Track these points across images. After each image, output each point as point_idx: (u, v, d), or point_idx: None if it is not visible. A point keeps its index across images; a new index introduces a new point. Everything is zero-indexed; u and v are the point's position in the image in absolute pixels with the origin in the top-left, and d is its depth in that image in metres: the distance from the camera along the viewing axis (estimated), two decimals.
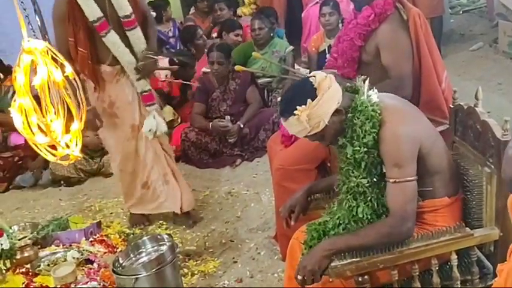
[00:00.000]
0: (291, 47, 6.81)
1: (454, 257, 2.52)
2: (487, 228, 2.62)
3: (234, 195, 5.17)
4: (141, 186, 4.61)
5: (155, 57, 4.29)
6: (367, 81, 2.63)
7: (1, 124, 6.21)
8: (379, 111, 2.51)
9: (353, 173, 2.57)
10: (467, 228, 2.52)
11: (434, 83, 3.52)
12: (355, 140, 2.53)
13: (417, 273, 2.52)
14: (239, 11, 8.47)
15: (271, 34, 6.76)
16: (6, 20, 7.79)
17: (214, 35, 7.62)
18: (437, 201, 2.62)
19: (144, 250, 3.61)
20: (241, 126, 5.90)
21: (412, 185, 2.49)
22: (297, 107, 2.49)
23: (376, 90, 2.63)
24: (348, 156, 2.56)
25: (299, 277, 2.53)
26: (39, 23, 6.87)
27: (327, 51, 5.89)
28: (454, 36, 8.53)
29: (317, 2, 6.93)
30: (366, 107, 2.52)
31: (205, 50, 6.50)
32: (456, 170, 2.74)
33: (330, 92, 2.51)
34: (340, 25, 5.91)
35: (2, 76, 6.65)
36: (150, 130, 4.30)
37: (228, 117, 5.93)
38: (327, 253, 2.51)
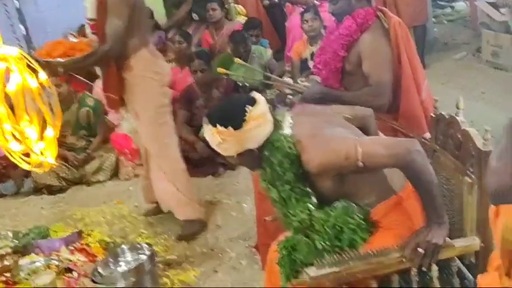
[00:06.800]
0: (270, 51, 6.84)
1: (434, 267, 2.50)
2: (468, 239, 2.60)
3: (215, 204, 5.13)
4: None
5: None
6: (289, 115, 2.60)
7: None
8: (293, 146, 2.47)
9: (289, 213, 2.52)
10: (447, 239, 2.49)
11: (413, 93, 3.52)
12: (277, 179, 2.49)
13: (397, 285, 2.49)
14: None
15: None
16: None
17: None
18: (385, 204, 2.57)
19: (123, 259, 3.59)
20: None
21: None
22: (217, 124, 2.45)
23: (289, 117, 2.59)
24: (276, 199, 2.53)
25: (420, 250, 2.41)
26: (24, 32, 6.87)
27: (309, 58, 5.90)
28: (438, 45, 8.56)
29: (301, 12, 6.95)
30: (282, 144, 2.48)
31: None
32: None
33: (254, 132, 2.47)
34: (322, 31, 5.92)
35: None
36: None
37: None
38: None
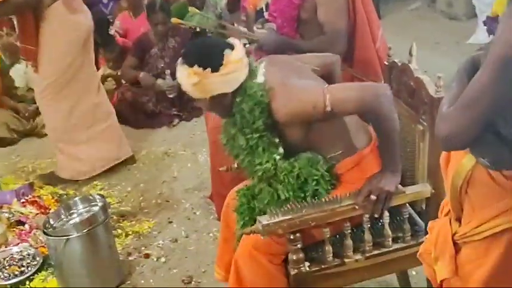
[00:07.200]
0: (224, 0, 6.76)
1: (385, 214, 2.52)
2: (419, 186, 2.62)
3: (171, 156, 5.11)
4: None
5: None
6: (262, 64, 2.58)
7: None
8: (266, 94, 2.45)
9: (255, 161, 2.52)
10: (399, 186, 2.51)
11: (368, 41, 3.51)
12: (245, 127, 2.48)
13: (349, 231, 2.51)
14: None
15: None
16: None
17: None
18: (351, 159, 2.58)
19: (75, 211, 3.55)
20: None
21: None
22: (195, 65, 2.41)
23: (263, 65, 2.57)
24: (243, 146, 2.51)
25: (372, 197, 2.44)
26: None
27: (264, 8, 5.83)
28: None
29: None
30: (255, 91, 2.46)
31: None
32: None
33: (230, 76, 2.44)
34: None
35: None
36: None
37: (168, 71, 5.77)
38: None
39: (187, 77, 2.43)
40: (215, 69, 2.40)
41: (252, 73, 2.52)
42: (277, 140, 2.50)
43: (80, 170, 4.69)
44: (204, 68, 2.39)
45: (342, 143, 2.57)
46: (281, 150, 2.51)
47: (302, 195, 2.52)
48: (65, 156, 4.68)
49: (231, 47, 2.46)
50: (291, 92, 2.45)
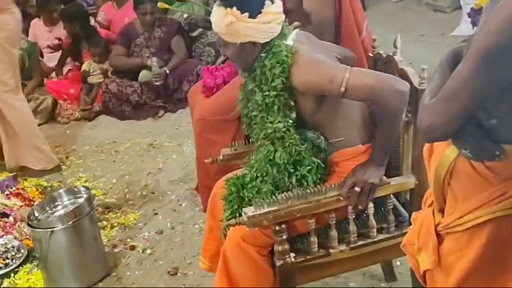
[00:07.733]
0: None
1: (370, 205, 2.53)
2: (403, 177, 2.64)
3: (156, 147, 5.12)
4: None
5: None
6: (295, 31, 2.60)
7: None
8: (291, 56, 2.46)
9: (268, 119, 2.52)
10: (383, 177, 2.52)
11: (353, 32, 3.50)
12: (264, 84, 2.48)
13: (334, 222, 2.52)
14: None
15: None
16: None
17: None
18: (351, 150, 2.58)
19: (60, 203, 3.54)
20: (167, 72, 5.79)
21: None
22: (234, 7, 2.41)
23: (295, 32, 2.59)
24: (259, 102, 2.51)
25: (357, 189, 2.46)
26: None
27: None
28: None
29: None
30: (280, 50, 2.47)
31: None
32: (369, 116, 2.73)
33: (266, 26, 2.45)
34: None
35: None
36: None
37: (155, 58, 5.77)
38: None
39: (223, 17, 2.43)
40: (253, 15, 2.42)
41: (283, 34, 2.53)
42: (292, 103, 2.51)
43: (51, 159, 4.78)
44: (242, 12, 2.41)
45: (346, 132, 2.58)
46: (294, 115, 2.52)
47: (292, 171, 2.53)
48: (37, 151, 4.71)
49: (272, 1, 2.48)
50: (315, 61, 2.47)
